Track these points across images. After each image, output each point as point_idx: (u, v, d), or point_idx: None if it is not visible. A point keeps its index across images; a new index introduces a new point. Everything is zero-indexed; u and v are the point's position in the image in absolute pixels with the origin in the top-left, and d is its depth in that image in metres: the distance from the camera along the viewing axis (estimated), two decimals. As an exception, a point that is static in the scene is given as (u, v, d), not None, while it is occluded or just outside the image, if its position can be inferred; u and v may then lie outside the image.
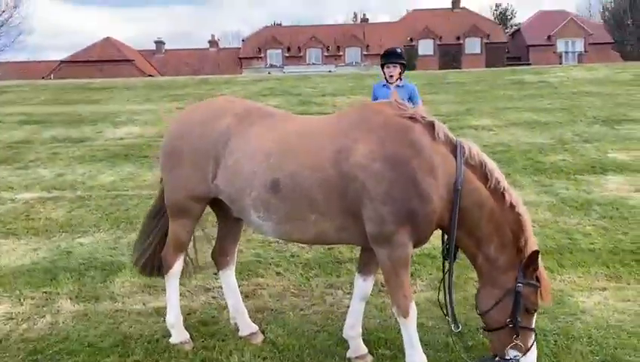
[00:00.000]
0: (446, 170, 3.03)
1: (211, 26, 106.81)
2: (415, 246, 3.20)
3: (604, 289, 4.42)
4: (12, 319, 4.15)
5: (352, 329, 3.50)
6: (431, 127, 3.10)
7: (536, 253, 2.97)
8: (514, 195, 3.10)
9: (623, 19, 54.21)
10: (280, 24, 55.48)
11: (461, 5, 48.80)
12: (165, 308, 4.20)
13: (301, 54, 46.10)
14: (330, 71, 33.00)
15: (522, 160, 7.97)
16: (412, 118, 3.11)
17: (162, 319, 4.10)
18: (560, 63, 38.25)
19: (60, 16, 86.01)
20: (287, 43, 46.73)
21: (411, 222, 3.01)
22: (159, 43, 50.67)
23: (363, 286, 3.52)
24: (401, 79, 5.54)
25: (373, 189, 2.99)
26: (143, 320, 4.13)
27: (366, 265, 3.48)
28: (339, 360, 3.45)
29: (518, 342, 2.99)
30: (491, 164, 3.11)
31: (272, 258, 5.15)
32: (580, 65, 27.17)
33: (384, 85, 5.57)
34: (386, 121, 3.14)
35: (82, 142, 9.83)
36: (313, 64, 43.65)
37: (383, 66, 5.57)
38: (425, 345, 3.37)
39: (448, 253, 3.20)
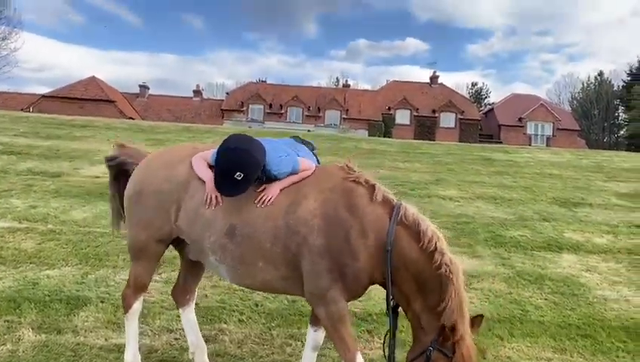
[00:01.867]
0: (378, 231, 3.17)
1: (195, 77, 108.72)
2: (348, 301, 3.33)
3: (550, 359, 4.67)
4: (-28, 344, 4.18)
5: None
6: (372, 189, 3.30)
7: (453, 325, 2.98)
8: (446, 257, 3.12)
9: (590, 109, 57.36)
10: (265, 81, 56.93)
11: (439, 82, 50.99)
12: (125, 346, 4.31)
13: (282, 112, 47.15)
14: (309, 130, 33.82)
15: (484, 232, 8.33)
16: (356, 182, 3.34)
17: (122, 355, 4.19)
18: (529, 144, 39.97)
19: (48, 52, 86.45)
20: (270, 100, 47.85)
21: (343, 278, 3.18)
22: (143, 87, 51.25)
23: (314, 336, 3.69)
24: None
25: (312, 242, 3.18)
26: (103, 354, 4.19)
27: (317, 316, 3.58)
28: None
29: None
30: (426, 225, 3.19)
31: (237, 305, 5.28)
32: (546, 148, 28.44)
33: None
34: (334, 183, 3.35)
35: (58, 176, 9.90)
36: (293, 122, 44.66)
37: None
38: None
39: (388, 309, 3.27)
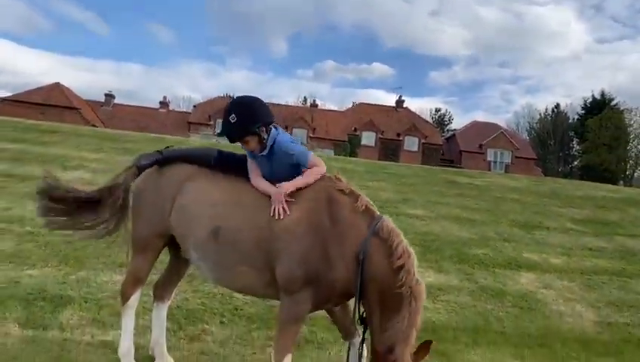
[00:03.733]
0: (354, 241, 3.28)
1: (161, 88, 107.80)
2: (318, 307, 3.51)
3: (510, 366, 5.05)
4: (-40, 337, 4.26)
5: None
6: (355, 198, 3.43)
7: (389, 348, 3.03)
8: (411, 277, 3.17)
9: (546, 139, 59.68)
10: (232, 96, 57.01)
11: (404, 105, 52.21)
12: (113, 342, 4.48)
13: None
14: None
15: (449, 249, 8.74)
16: (342, 191, 3.47)
17: (110, 351, 4.35)
18: (489, 170, 41.24)
19: (5, 55, 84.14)
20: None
21: (316, 284, 3.29)
22: (109, 96, 50.59)
23: (354, 348, 3.71)
24: (264, 147, 3.66)
25: (293, 250, 3.30)
26: (91, 350, 4.33)
27: (343, 329, 3.79)
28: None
29: None
30: (398, 241, 3.27)
31: (217, 309, 5.47)
32: (505, 174, 29.50)
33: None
34: (319, 192, 3.48)
35: (29, 180, 9.83)
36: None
37: None
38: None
39: (360, 318, 3.38)
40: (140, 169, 3.90)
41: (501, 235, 10.05)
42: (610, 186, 21.27)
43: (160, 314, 4.17)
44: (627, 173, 52.45)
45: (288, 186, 3.48)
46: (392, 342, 3.04)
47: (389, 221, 3.40)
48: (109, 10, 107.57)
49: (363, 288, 3.25)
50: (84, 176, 10.71)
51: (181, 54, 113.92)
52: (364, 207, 3.41)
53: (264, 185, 3.59)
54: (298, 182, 3.52)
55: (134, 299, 3.91)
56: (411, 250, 3.31)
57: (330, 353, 4.83)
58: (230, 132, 3.53)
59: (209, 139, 36.20)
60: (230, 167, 3.80)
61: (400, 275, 3.16)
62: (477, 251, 8.81)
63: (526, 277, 7.79)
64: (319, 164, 3.61)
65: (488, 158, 47.47)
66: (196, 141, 21.57)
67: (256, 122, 3.52)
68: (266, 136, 3.58)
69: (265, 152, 3.62)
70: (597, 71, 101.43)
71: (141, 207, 3.87)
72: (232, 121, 3.49)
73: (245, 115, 3.51)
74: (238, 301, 5.70)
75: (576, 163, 57.75)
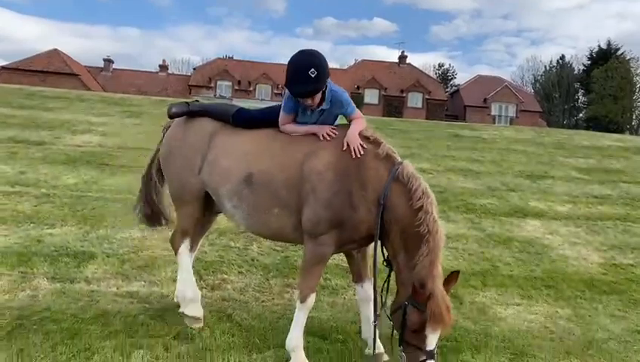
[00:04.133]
0: (377, 186, 3.41)
1: (159, 52, 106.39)
2: (341, 248, 3.68)
3: (519, 304, 5.25)
4: (-7, 290, 4.47)
5: (367, 332, 3.81)
6: (377, 145, 3.56)
7: (420, 284, 3.15)
8: (430, 216, 3.29)
9: (551, 92, 59.12)
10: (232, 58, 56.40)
11: (407, 61, 51.58)
12: (138, 292, 4.71)
13: (251, 89, 46.98)
14: (279, 107, 33.93)
15: (456, 201, 8.89)
16: (366, 138, 3.58)
17: (136, 300, 4.56)
18: (494, 124, 41.09)
19: (2, 23, 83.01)
20: (238, 77, 47.56)
21: (340, 227, 3.46)
22: (107, 61, 50.23)
23: (362, 291, 3.88)
24: (323, 100, 3.71)
25: (320, 194, 3.45)
26: (119, 299, 4.54)
27: (356, 272, 3.92)
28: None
29: (401, 352, 3.28)
30: (418, 184, 3.37)
31: (234, 260, 5.67)
32: (510, 126, 29.44)
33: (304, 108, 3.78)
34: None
35: (41, 145, 9.99)
36: (262, 100, 44.56)
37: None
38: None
39: (384, 260, 3.55)
40: (171, 117, 4.15)
41: (507, 185, 10.19)
42: (615, 135, 21.26)
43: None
44: (633, 123, 52.17)
45: (355, 129, 3.62)
46: (421, 277, 3.18)
47: (409, 165, 3.50)
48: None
49: (386, 230, 3.41)
50: (92, 140, 10.83)
51: (178, 17, 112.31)
52: (385, 154, 3.53)
53: (305, 127, 3.74)
54: (359, 126, 3.66)
55: (184, 248, 4.13)
56: (431, 192, 3.44)
57: (344, 297, 5.04)
58: (312, 86, 3.51)
59: (210, 101, 36.17)
60: (251, 121, 3.95)
61: (419, 215, 3.30)
62: (483, 201, 8.97)
63: (532, 225, 7.96)
64: (361, 116, 3.77)
65: (493, 113, 47.21)
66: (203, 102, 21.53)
67: (328, 74, 3.57)
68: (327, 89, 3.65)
69: (325, 105, 3.68)
70: (603, 20, 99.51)
71: (172, 166, 4.09)
72: (313, 76, 3.46)
73: (323, 68, 3.52)
74: (254, 253, 5.90)
75: (581, 115, 57.34)
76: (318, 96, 3.63)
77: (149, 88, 46.96)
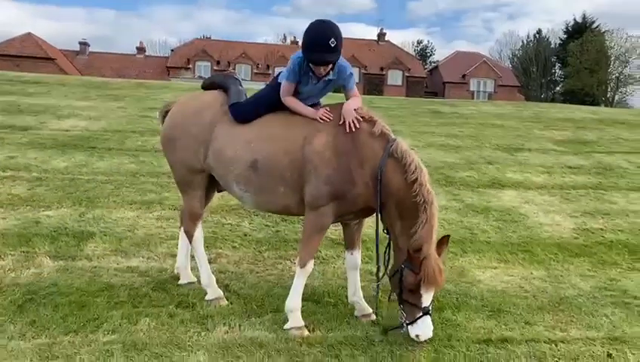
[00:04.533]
0: (373, 163, 3.71)
1: (134, 34, 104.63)
2: (339, 219, 4.00)
3: (496, 268, 5.61)
4: (-1, 269, 4.69)
5: (354, 295, 4.22)
6: (372, 124, 3.84)
7: (419, 247, 3.51)
8: (424, 188, 3.61)
9: (529, 66, 59.79)
10: (209, 38, 55.89)
11: (386, 39, 51.66)
12: (138, 267, 4.96)
13: (230, 69, 46.72)
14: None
15: (436, 174, 9.21)
16: (362, 117, 3.88)
17: (137, 274, 4.82)
18: (472, 100, 41.60)
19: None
20: (217, 57, 47.31)
21: (339, 200, 3.77)
22: (84, 44, 49.54)
23: (351, 258, 4.23)
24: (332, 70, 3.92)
25: (321, 171, 3.76)
26: (120, 274, 4.79)
27: (349, 240, 4.23)
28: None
29: (401, 310, 3.69)
30: (411, 159, 3.67)
31: (228, 236, 5.93)
32: (488, 101, 29.91)
33: (310, 76, 3.97)
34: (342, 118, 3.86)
35: (27, 130, 10.04)
36: (243, 80, 44.23)
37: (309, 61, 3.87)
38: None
39: (384, 229, 3.90)
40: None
41: (485, 159, 10.54)
42: (589, 108, 21.82)
43: (185, 239, 4.59)
44: (608, 95, 53.03)
45: (351, 105, 3.92)
46: (419, 243, 3.53)
47: (402, 142, 3.79)
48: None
49: (382, 203, 3.72)
50: (79, 124, 10.91)
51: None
52: (379, 132, 3.82)
53: (302, 107, 4.03)
54: (356, 103, 3.96)
55: (198, 233, 4.40)
56: (423, 166, 3.75)
57: (334, 266, 5.34)
58: (331, 56, 3.71)
59: (190, 83, 35.99)
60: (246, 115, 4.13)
61: (414, 188, 3.61)
62: (462, 174, 9.31)
63: (509, 195, 8.33)
64: (358, 94, 4.09)
65: (472, 88, 47.78)
66: (183, 84, 21.51)
67: (343, 44, 3.77)
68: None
69: (332, 75, 3.93)
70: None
71: (176, 154, 4.32)
72: (332, 45, 3.64)
73: (341, 40, 3.71)
74: (246, 228, 6.17)
75: (558, 88, 58.14)
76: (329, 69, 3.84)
77: (126, 71, 46.46)
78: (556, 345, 3.92)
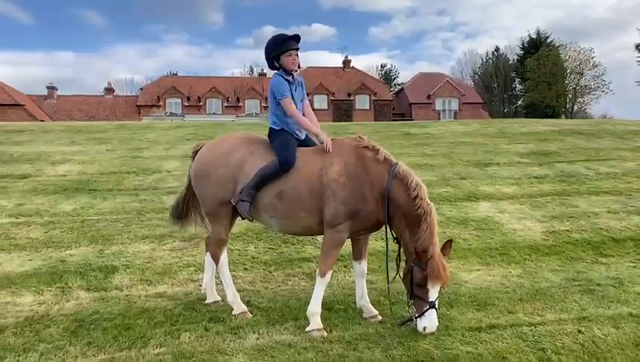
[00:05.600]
0: (381, 184, 4.48)
1: (97, 74, 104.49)
2: (354, 234, 4.73)
3: (479, 270, 6.38)
4: (43, 304, 5.21)
5: (362, 299, 4.91)
6: (376, 152, 4.65)
7: (423, 249, 4.23)
8: (424, 202, 4.36)
9: (490, 82, 62.03)
10: (176, 74, 56.55)
11: (351, 65, 53.17)
12: (165, 292, 5.55)
13: (201, 104, 47.42)
14: (233, 120, 34.68)
15: (416, 192, 10.01)
16: (366, 147, 4.69)
17: (166, 299, 5.40)
18: (439, 119, 43.08)
19: None
20: (187, 92, 47.89)
21: (354, 217, 4.53)
22: (51, 88, 49.50)
23: (359, 267, 4.94)
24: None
25: (338, 194, 4.51)
26: (151, 299, 5.37)
27: (357, 252, 4.95)
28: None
29: (412, 305, 4.39)
30: (412, 179, 4.44)
31: (238, 259, 6.56)
32: (455, 120, 31.21)
33: (286, 79, 4.93)
34: (350, 150, 4.69)
35: (26, 178, 10.51)
36: (214, 113, 45.12)
37: (277, 57, 4.91)
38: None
39: (394, 239, 4.66)
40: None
41: (459, 174, 11.41)
42: (550, 120, 23.16)
43: (211, 263, 5.22)
44: (567, 106, 55.26)
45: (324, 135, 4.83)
46: (424, 245, 4.26)
47: (403, 165, 4.58)
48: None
49: (391, 216, 4.47)
50: (73, 169, 11.42)
51: (114, 37, 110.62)
52: (383, 158, 4.62)
53: (307, 122, 4.94)
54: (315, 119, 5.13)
55: (224, 258, 5.07)
56: (422, 183, 4.53)
57: (337, 279, 6.01)
58: (297, 42, 4.93)
59: (161, 120, 36.44)
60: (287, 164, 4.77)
61: (416, 202, 4.37)
62: (440, 190, 10.13)
63: (484, 206, 9.16)
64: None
65: (437, 108, 49.27)
66: (164, 123, 22.05)
67: None
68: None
69: (300, 78, 5.09)
70: (530, 10, 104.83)
71: (207, 189, 4.96)
72: (293, 35, 4.94)
73: None
74: (253, 252, 6.81)
75: (520, 102, 60.31)
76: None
77: (96, 112, 46.76)
78: (535, 327, 4.67)
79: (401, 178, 4.49)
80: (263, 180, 4.66)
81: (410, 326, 4.54)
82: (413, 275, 4.35)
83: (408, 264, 4.48)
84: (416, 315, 4.37)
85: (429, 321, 4.31)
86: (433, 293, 4.32)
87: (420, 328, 4.35)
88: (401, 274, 4.61)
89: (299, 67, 4.95)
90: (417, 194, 4.41)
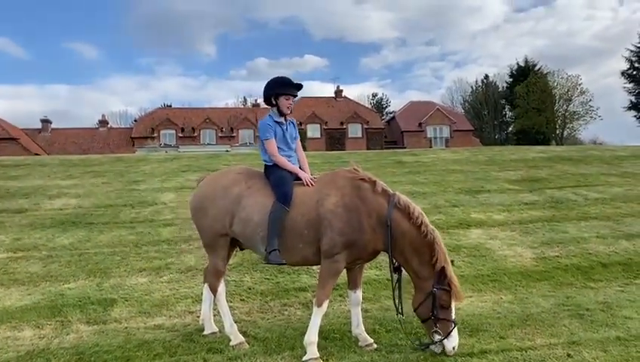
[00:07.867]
0: (380, 213, 4.63)
1: (91, 107, 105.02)
2: (350, 264, 4.87)
3: (471, 296, 6.51)
4: (43, 337, 5.30)
5: (357, 328, 5.01)
6: (373, 184, 4.82)
7: (443, 268, 4.52)
8: (429, 227, 4.60)
9: (481, 110, 62.93)
10: (170, 106, 57.09)
11: (343, 95, 53.92)
12: (163, 324, 5.64)
13: (195, 135, 47.74)
14: (227, 150, 34.94)
15: (409, 220, 10.18)
16: (362, 179, 4.85)
17: (165, 330, 5.50)
18: (430, 147, 43.53)
19: None
20: (181, 123, 48.29)
21: (351, 247, 4.66)
22: (45, 121, 49.75)
23: (355, 297, 5.06)
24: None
25: (335, 225, 4.64)
26: (150, 331, 5.46)
27: (353, 281, 5.08)
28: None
29: (438, 329, 4.50)
30: (413, 207, 4.67)
31: (234, 290, 6.66)
32: (446, 148, 31.59)
33: (277, 121, 5.22)
34: (346, 182, 4.85)
35: (23, 212, 10.61)
36: (208, 144, 45.40)
37: (277, 96, 5.19)
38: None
39: (395, 269, 4.81)
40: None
41: (450, 202, 11.60)
42: (539, 147, 23.53)
43: (209, 294, 5.32)
44: (557, 132, 55.98)
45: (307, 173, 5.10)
46: (439, 266, 4.53)
47: (401, 195, 4.77)
48: (21, 33, 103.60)
49: (394, 245, 4.62)
50: (70, 202, 11.53)
51: (107, 70, 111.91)
52: (381, 189, 4.79)
53: (291, 165, 5.13)
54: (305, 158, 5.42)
55: (221, 288, 5.19)
56: (421, 210, 4.74)
57: (333, 308, 6.12)
58: (297, 90, 5.23)
59: (155, 151, 36.62)
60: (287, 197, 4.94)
61: (422, 229, 4.59)
62: (432, 218, 10.24)
63: (475, 233, 9.33)
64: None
65: (428, 135, 49.81)
66: (160, 155, 22.23)
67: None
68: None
69: (291, 118, 5.43)
70: (518, 38, 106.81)
71: (204, 221, 5.12)
72: (295, 82, 5.25)
73: None
74: (249, 283, 6.92)
75: (510, 129, 61.04)
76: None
77: (90, 145, 46.95)
78: (526, 351, 4.79)
79: (403, 208, 4.67)
80: (277, 224, 4.76)
81: (424, 350, 4.68)
82: (436, 299, 4.50)
83: (421, 292, 4.63)
84: (442, 337, 4.51)
85: (455, 340, 4.53)
86: (454, 311, 4.58)
87: (449, 348, 4.52)
88: (412, 303, 4.73)
89: (291, 112, 5.28)
90: (421, 222, 4.62)
